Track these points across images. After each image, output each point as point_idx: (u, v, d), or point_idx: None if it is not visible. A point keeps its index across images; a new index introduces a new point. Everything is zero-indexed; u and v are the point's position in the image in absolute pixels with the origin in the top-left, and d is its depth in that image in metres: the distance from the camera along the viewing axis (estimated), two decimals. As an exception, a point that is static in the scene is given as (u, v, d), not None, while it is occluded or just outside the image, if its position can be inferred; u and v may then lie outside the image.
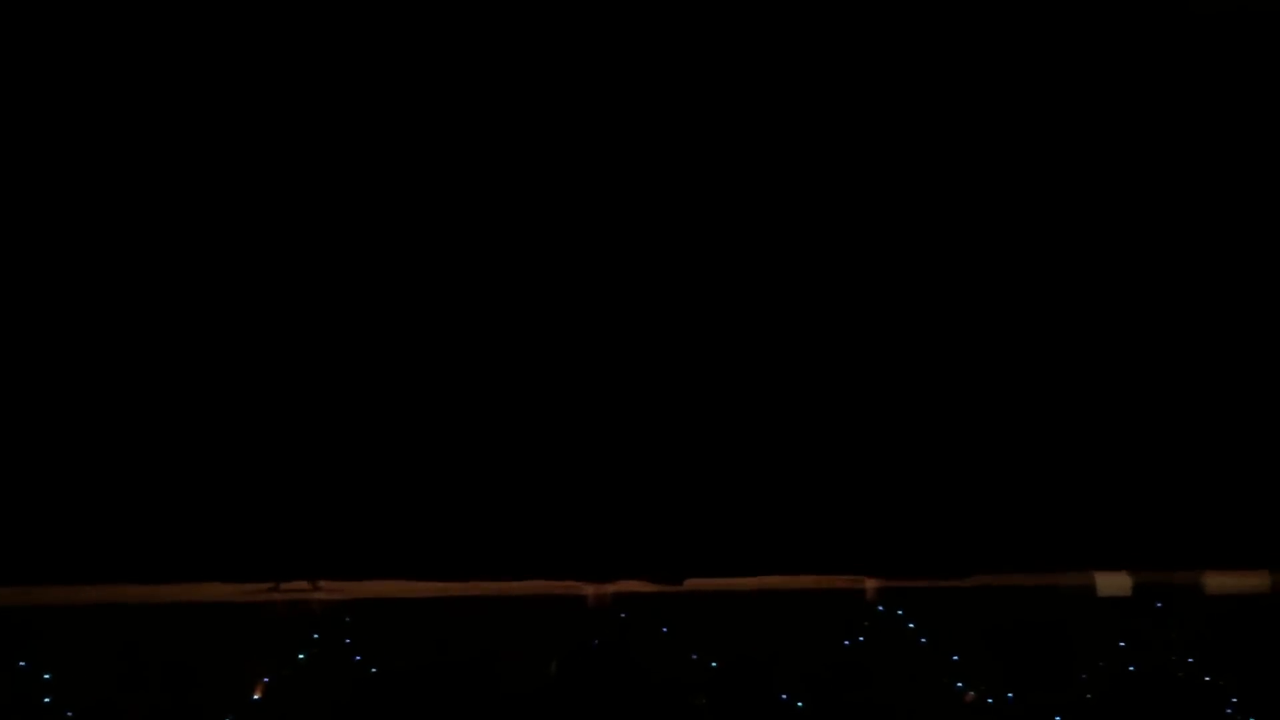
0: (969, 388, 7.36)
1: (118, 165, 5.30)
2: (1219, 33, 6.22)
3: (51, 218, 5.66)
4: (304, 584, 6.58)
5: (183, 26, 5.26)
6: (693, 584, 6.83)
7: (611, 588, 6.67)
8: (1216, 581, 6.52)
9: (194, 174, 5.44)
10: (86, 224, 5.69)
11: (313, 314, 6.70)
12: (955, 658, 5.38)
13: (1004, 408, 7.35)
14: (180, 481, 6.47)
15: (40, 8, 5.22)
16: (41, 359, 6.38)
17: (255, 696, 4.90)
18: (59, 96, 5.29)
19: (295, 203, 5.47)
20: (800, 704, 5.13)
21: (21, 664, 4.75)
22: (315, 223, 5.50)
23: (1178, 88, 6.32)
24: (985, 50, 6.33)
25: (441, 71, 5.45)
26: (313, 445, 6.69)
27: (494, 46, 5.44)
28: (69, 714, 4.72)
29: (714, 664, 5.19)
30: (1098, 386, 7.46)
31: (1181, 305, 7.57)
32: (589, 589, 6.71)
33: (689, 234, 5.73)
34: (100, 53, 5.30)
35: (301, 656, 4.99)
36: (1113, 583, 6.64)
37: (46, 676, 4.76)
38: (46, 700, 4.74)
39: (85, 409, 6.37)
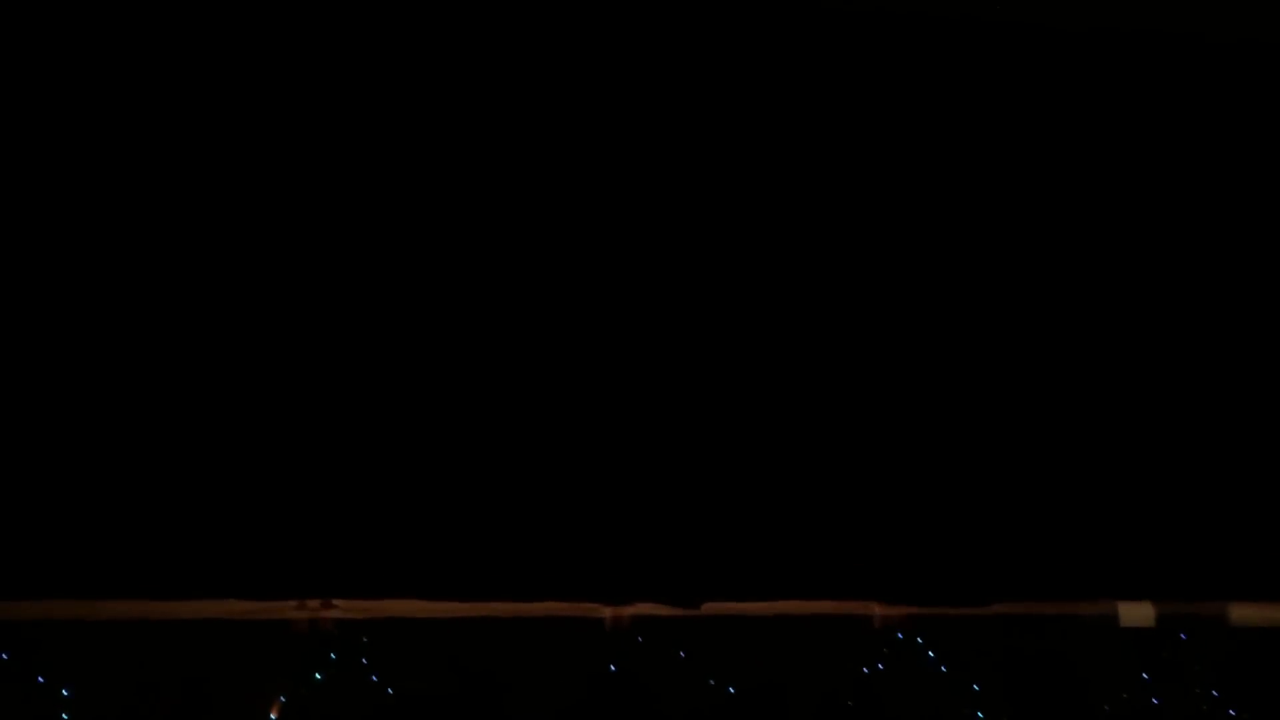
0: (992, 414, 7.32)
1: (107, 171, 5.30)
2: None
3: (47, 222, 5.69)
4: (321, 602, 6.59)
5: (171, 23, 5.27)
6: (710, 609, 6.80)
7: (629, 611, 6.65)
8: (1241, 613, 6.44)
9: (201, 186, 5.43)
10: (92, 228, 5.72)
11: (332, 335, 6.72)
12: (975, 687, 5.33)
13: (1027, 434, 7.31)
14: (199, 496, 6.48)
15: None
16: (58, 372, 6.41)
17: (272, 716, 4.90)
18: (43, 94, 5.30)
19: (313, 215, 5.46)
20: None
21: (40, 679, 4.75)
22: (327, 235, 5.50)
23: (1183, 110, 6.33)
24: (986, 59, 6.32)
25: (438, 73, 5.44)
26: (332, 461, 6.70)
27: (490, 47, 5.44)
28: (85, 731, 4.73)
29: (731, 689, 5.16)
30: (1123, 413, 7.40)
31: (1206, 335, 7.52)
32: (606, 612, 6.69)
33: (713, 253, 5.72)
34: (91, 50, 5.32)
35: (318, 676, 4.97)
36: (1135, 613, 6.57)
37: (65, 693, 4.76)
38: (64, 717, 4.74)
39: (103, 423, 6.39)
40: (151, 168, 5.35)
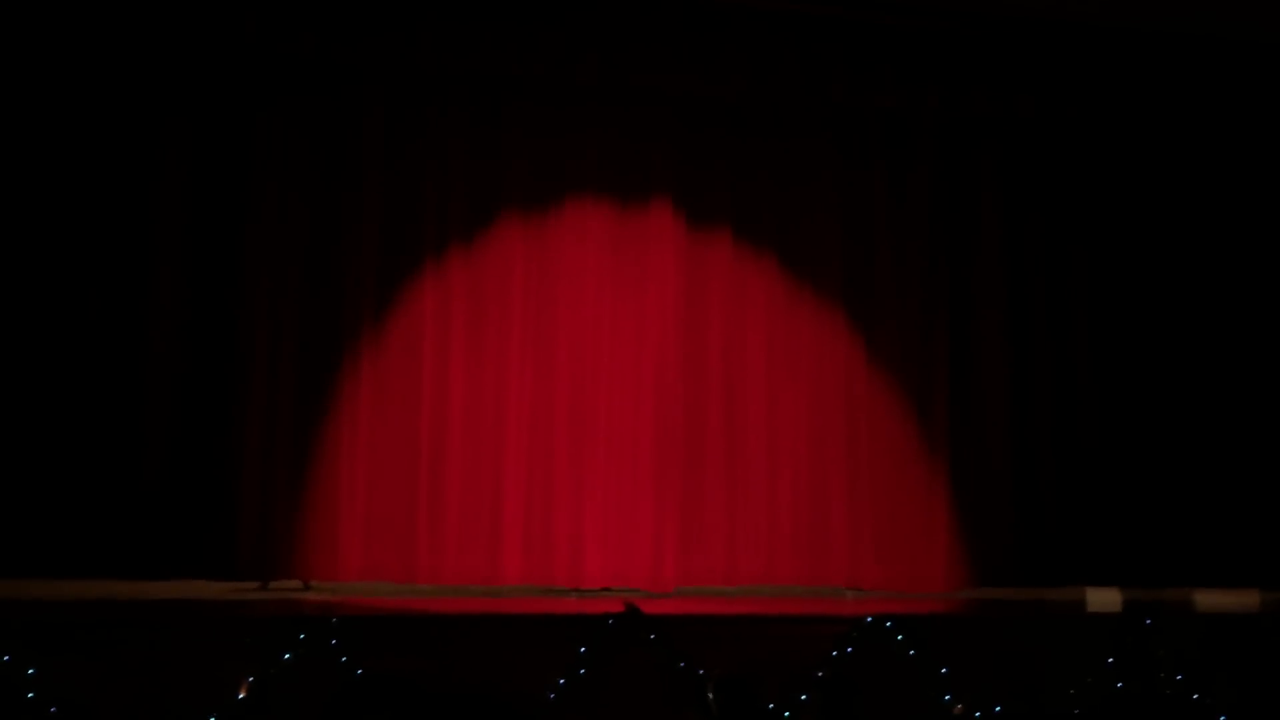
0: (964, 402, 7.36)
1: None
2: None
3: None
4: (293, 583, 6.57)
5: None
6: (682, 594, 6.82)
7: (599, 594, 6.66)
8: (1206, 599, 6.51)
9: None
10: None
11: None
12: (944, 670, 5.37)
13: (995, 423, 7.35)
14: (167, 478, 6.45)
15: None
16: (28, 358, 6.36)
17: (240, 695, 4.88)
18: None
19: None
20: (788, 714, 5.11)
21: (4, 658, 4.71)
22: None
23: None
24: None
25: None
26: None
27: None
28: (51, 710, 4.68)
29: (700, 672, 5.17)
30: (1096, 406, 7.46)
31: (1175, 326, 7.59)
32: (575, 597, 6.70)
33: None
34: None
35: (287, 656, 4.96)
36: (1102, 598, 6.63)
37: (30, 671, 4.72)
38: (29, 695, 4.70)
39: (70, 405, 6.35)
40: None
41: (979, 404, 7.37)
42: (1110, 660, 5.48)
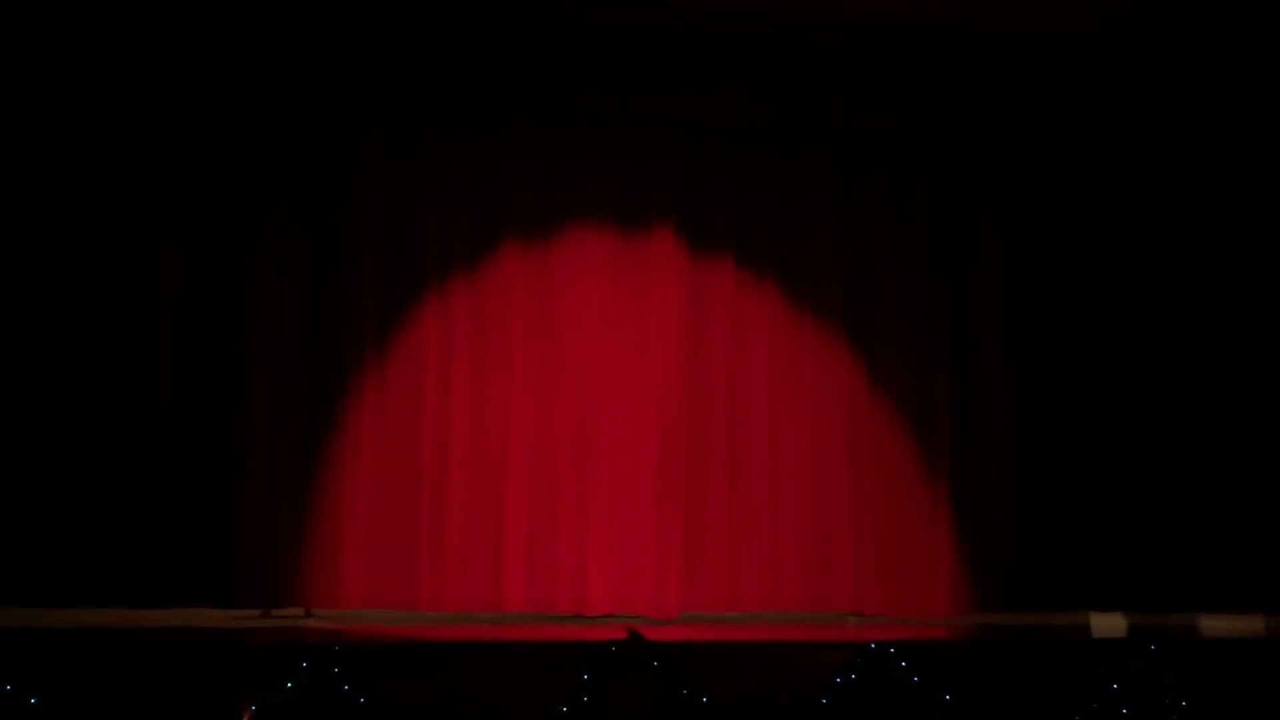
0: (966, 425, 7.35)
1: None
2: None
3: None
4: (295, 610, 6.56)
5: None
6: (685, 620, 6.81)
7: (603, 623, 6.63)
8: (1211, 624, 6.49)
9: None
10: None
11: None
12: (947, 696, 5.34)
13: (997, 446, 7.34)
14: (169, 505, 6.44)
15: None
16: (31, 375, 6.37)
17: (242, 723, 4.87)
18: None
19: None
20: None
21: (6, 688, 4.70)
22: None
23: None
24: None
25: None
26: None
27: None
28: (54, 740, 4.68)
29: (704, 699, 5.15)
30: (1095, 424, 7.46)
31: (1178, 349, 7.59)
32: (578, 624, 6.68)
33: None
34: None
35: (290, 684, 4.95)
36: (1107, 623, 6.61)
37: (32, 701, 4.71)
38: (31, 725, 4.69)
39: (72, 433, 6.35)
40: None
41: (981, 427, 7.36)
42: (1115, 685, 5.46)
